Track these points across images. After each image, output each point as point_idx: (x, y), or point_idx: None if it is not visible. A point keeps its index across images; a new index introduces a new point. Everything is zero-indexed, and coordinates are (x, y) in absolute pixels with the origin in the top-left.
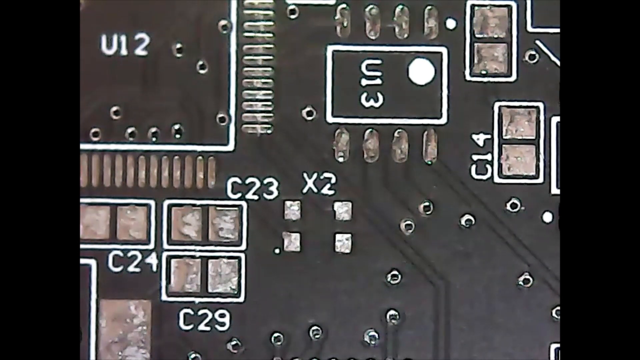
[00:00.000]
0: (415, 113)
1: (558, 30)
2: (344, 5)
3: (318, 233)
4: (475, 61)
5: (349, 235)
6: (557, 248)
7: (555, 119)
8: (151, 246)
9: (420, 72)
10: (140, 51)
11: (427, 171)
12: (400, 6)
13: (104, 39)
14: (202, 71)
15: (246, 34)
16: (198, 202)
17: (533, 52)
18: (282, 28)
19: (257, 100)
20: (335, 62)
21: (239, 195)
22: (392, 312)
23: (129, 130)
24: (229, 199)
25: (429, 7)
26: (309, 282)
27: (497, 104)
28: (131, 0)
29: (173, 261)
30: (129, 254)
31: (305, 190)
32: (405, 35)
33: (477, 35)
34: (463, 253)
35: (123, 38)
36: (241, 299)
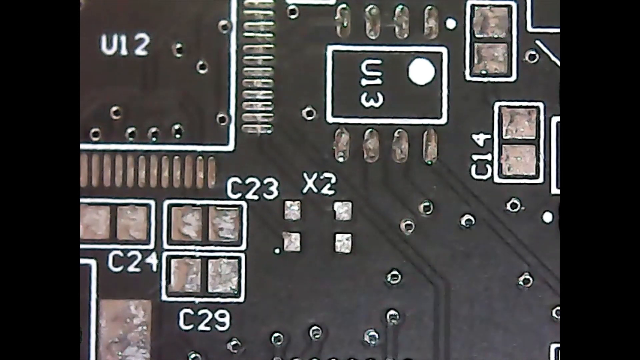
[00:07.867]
0: (415, 113)
1: (558, 30)
2: (344, 5)
3: (318, 233)
4: (475, 61)
5: (349, 235)
6: (557, 248)
7: (555, 119)
8: (151, 246)
9: (420, 72)
10: (140, 51)
11: (427, 171)
12: (400, 6)
13: (104, 39)
14: (202, 71)
15: (246, 34)
16: (198, 202)
17: (533, 52)
18: (282, 28)
19: (257, 100)
20: (335, 62)
21: (239, 195)
22: (392, 312)
23: (129, 130)
24: (229, 199)
25: (429, 7)
26: (309, 282)
27: (497, 104)
28: (131, 0)
29: (173, 261)
30: (129, 254)
31: (305, 190)
32: (405, 35)
33: (477, 35)
34: (463, 253)
35: (123, 38)
36: (241, 299)
